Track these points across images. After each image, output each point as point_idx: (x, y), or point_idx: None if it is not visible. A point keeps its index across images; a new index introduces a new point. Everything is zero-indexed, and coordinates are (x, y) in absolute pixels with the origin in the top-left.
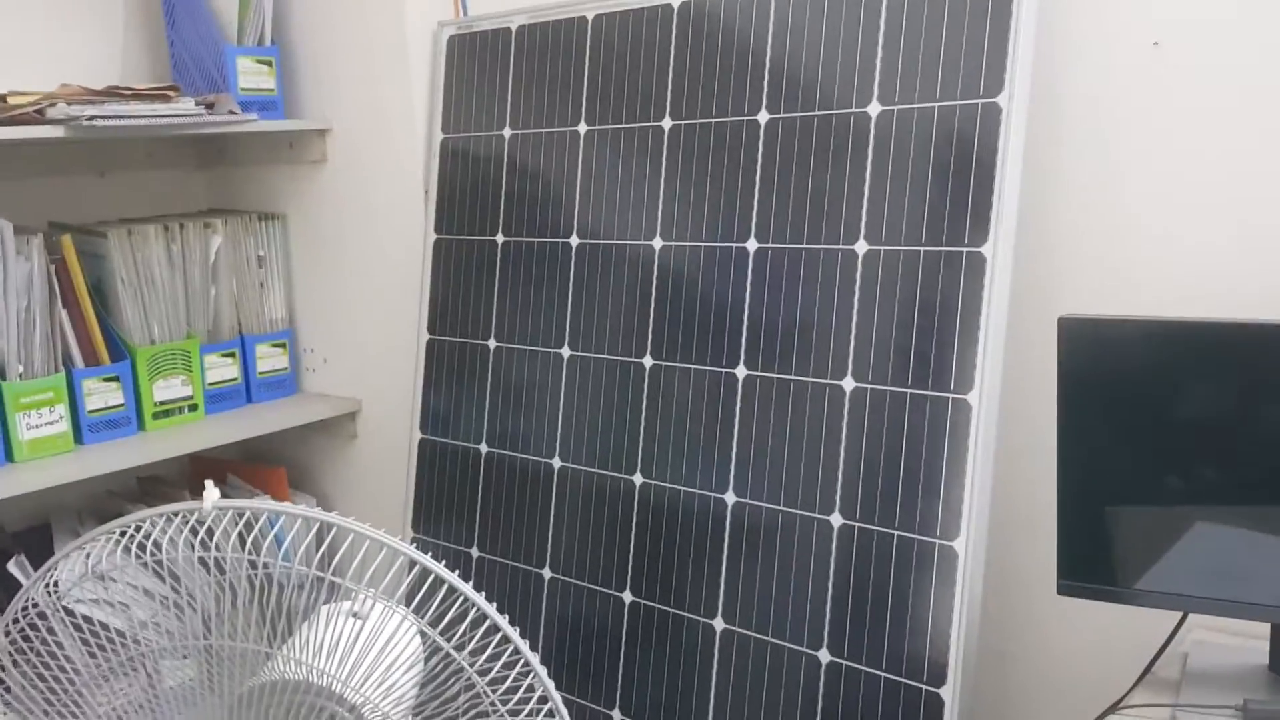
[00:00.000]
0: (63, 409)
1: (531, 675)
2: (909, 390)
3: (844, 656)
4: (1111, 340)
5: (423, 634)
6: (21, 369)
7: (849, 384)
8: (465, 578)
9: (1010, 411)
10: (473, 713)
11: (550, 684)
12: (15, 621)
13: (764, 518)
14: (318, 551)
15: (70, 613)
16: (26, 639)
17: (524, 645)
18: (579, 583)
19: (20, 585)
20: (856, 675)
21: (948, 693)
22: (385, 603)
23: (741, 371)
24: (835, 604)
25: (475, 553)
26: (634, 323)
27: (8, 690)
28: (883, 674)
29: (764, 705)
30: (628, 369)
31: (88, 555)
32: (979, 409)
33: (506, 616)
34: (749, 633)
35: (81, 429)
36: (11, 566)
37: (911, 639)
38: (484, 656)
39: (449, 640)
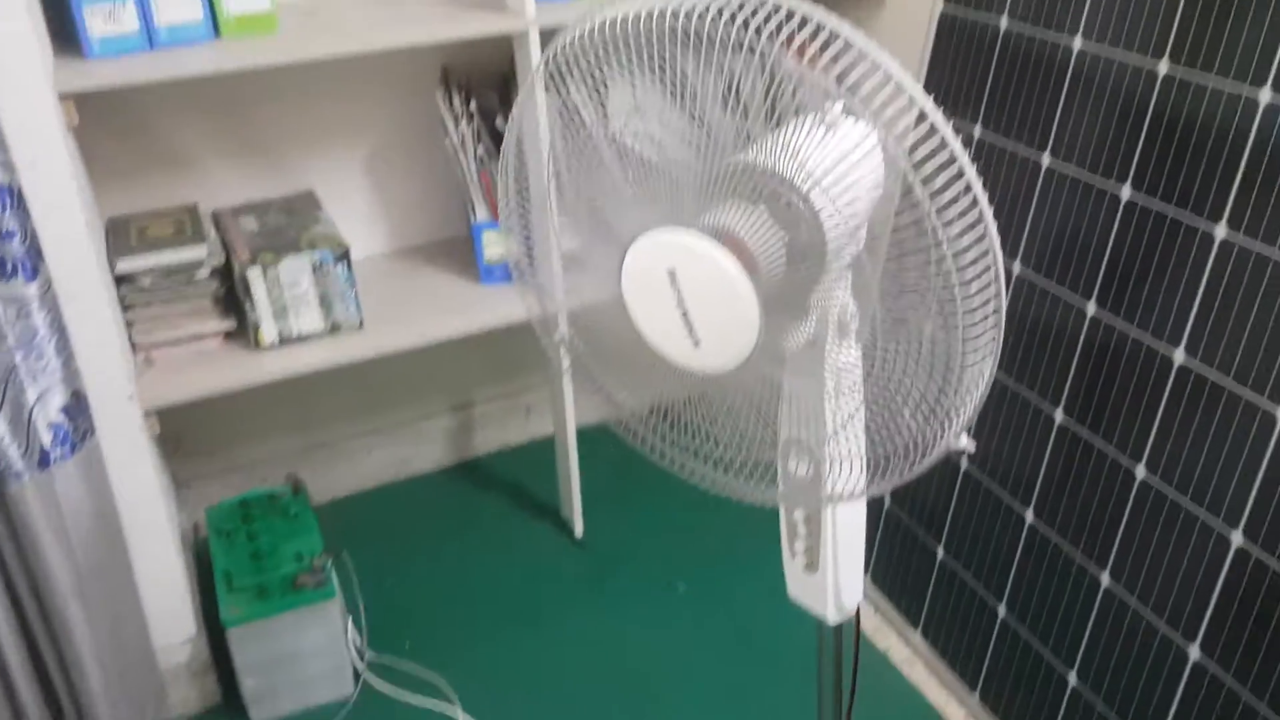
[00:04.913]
0: None
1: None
2: None
3: None
4: None
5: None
6: None
7: None
8: None
9: None
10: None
11: (997, 242)
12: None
13: None
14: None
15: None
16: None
17: (978, 185)
18: (1077, 173)
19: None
20: None
21: None
22: (860, 116)
23: None
24: None
25: (978, 131)
26: None
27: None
28: None
29: (1251, 321)
30: None
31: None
32: None
33: (988, 203)
34: (1252, 245)
35: None
36: None
37: None
38: (942, 194)
39: (916, 175)
